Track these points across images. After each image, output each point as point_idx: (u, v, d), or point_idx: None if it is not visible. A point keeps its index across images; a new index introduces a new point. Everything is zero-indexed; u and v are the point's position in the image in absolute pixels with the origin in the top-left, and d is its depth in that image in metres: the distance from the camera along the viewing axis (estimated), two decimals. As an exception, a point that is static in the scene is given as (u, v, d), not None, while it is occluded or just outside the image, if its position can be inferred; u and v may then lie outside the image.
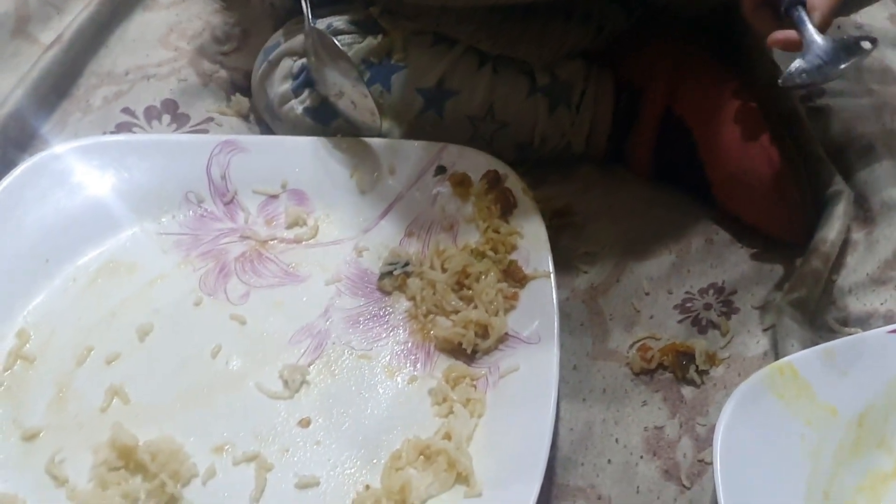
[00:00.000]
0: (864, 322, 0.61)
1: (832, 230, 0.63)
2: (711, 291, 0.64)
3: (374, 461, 0.55)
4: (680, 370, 0.60)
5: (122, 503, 0.53)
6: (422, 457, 0.54)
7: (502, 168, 0.65)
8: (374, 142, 0.68)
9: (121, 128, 0.72)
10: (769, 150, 0.65)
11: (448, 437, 0.55)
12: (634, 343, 0.62)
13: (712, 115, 0.67)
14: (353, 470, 0.55)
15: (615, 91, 0.70)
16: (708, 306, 0.63)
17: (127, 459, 0.54)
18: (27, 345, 0.60)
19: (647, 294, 0.65)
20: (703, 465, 0.56)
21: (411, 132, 0.69)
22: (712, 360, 0.61)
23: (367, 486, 0.53)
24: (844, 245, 0.64)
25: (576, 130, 0.70)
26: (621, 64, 0.70)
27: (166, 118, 0.73)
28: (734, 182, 0.65)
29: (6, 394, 0.58)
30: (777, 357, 0.58)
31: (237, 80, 0.76)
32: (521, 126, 0.69)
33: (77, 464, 0.55)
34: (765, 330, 0.62)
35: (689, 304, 0.63)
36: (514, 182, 0.64)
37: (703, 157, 0.67)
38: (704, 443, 0.57)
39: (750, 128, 0.65)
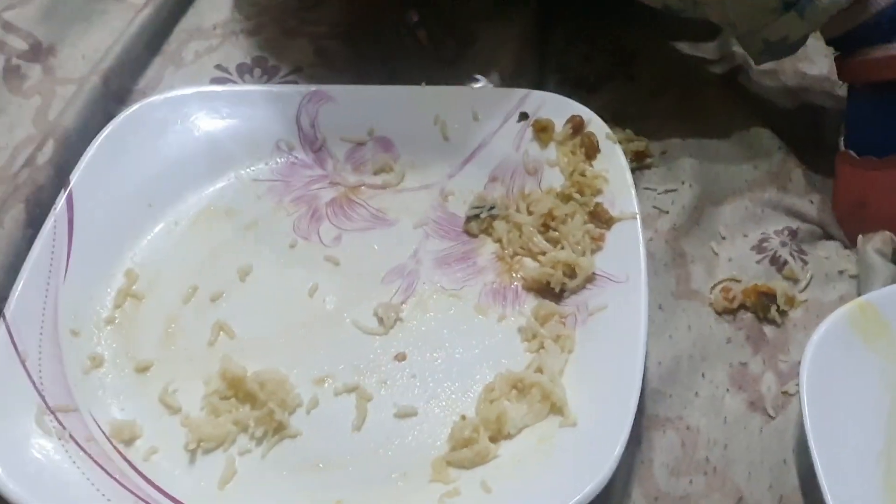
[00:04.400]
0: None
1: None
2: (786, 232, 0.65)
3: (469, 393, 0.57)
4: (762, 310, 0.62)
5: (234, 429, 0.56)
6: (514, 390, 0.57)
7: (586, 114, 0.66)
8: (457, 89, 0.70)
9: (214, 82, 0.75)
10: None
11: (540, 370, 0.57)
12: (716, 284, 0.63)
13: None
14: (448, 401, 0.57)
15: None
16: (784, 244, 0.64)
17: (236, 389, 0.57)
18: (135, 284, 0.63)
19: (723, 238, 0.66)
20: (787, 397, 0.57)
21: None
22: (792, 302, 0.62)
23: (464, 417, 0.56)
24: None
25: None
26: None
27: (258, 72, 0.76)
28: None
29: (118, 329, 0.61)
30: (858, 294, 0.59)
31: (321, 33, 0.78)
32: None
33: (189, 394, 0.58)
34: (840, 273, 0.63)
35: (765, 244, 0.65)
36: (597, 127, 0.66)
37: None
38: (787, 377, 0.58)
39: None
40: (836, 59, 0.66)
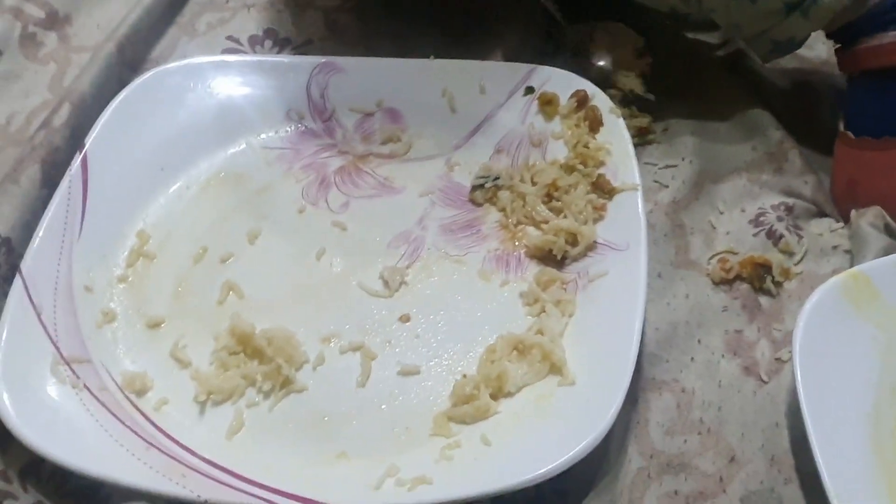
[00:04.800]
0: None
1: None
2: (783, 208, 0.67)
3: (471, 354, 0.59)
4: (757, 281, 0.63)
5: (242, 383, 0.58)
6: (515, 351, 0.58)
7: (591, 88, 0.68)
8: (465, 63, 0.71)
9: (226, 53, 0.77)
10: None
11: (541, 332, 0.58)
12: (714, 255, 0.65)
13: None
14: (450, 361, 0.59)
15: None
16: (780, 219, 0.66)
17: (245, 345, 0.59)
18: (147, 244, 0.65)
19: (721, 213, 0.67)
20: (780, 364, 0.59)
21: None
22: (787, 274, 0.64)
23: (465, 375, 0.57)
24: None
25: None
26: None
27: (268, 43, 0.78)
28: None
29: (130, 287, 0.63)
30: (852, 265, 0.61)
31: (333, 6, 0.80)
32: None
33: (198, 349, 0.60)
34: (834, 247, 0.65)
35: (762, 219, 0.66)
36: (601, 101, 0.67)
37: None
38: (780, 345, 0.60)
39: None
40: (836, 51, 0.68)
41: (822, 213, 0.67)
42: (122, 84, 0.71)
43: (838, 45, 0.68)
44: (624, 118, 0.67)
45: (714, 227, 0.66)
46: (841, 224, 0.66)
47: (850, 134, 0.67)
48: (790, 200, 0.67)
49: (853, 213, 0.64)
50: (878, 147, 0.65)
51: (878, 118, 0.65)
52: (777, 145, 0.70)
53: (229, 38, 0.78)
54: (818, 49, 0.79)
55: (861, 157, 0.66)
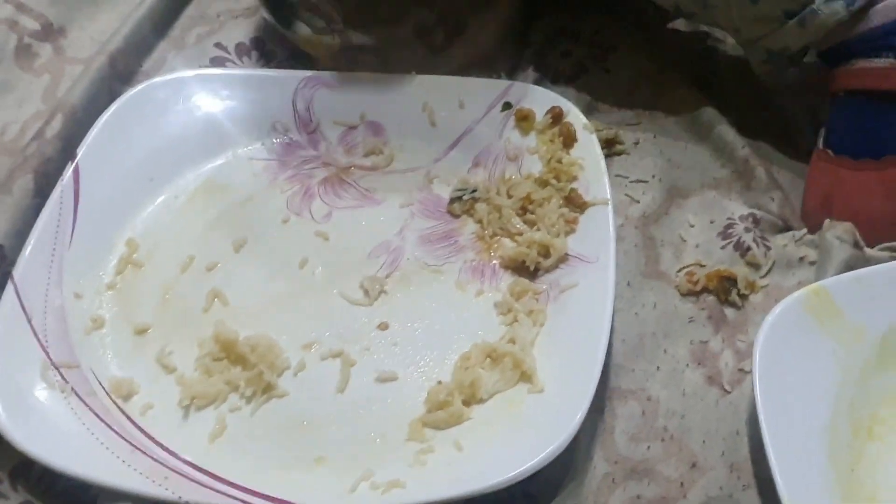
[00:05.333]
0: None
1: None
2: (751, 220, 0.69)
3: (446, 361, 0.61)
4: (723, 293, 0.65)
5: (225, 388, 0.60)
6: (488, 359, 0.61)
7: (566, 105, 0.70)
8: (445, 79, 0.74)
9: (214, 62, 0.79)
10: None
11: (513, 341, 0.61)
12: (682, 268, 0.67)
13: None
14: (426, 368, 0.61)
15: None
16: (748, 230, 0.68)
17: (228, 351, 0.61)
18: (136, 253, 0.67)
19: (692, 226, 0.70)
20: (743, 374, 0.61)
21: None
22: (752, 287, 0.66)
23: (440, 382, 0.60)
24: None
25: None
26: None
27: (255, 54, 0.80)
28: None
29: (118, 295, 0.65)
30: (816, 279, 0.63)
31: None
32: None
33: (183, 355, 0.62)
34: (800, 259, 0.67)
35: (730, 230, 0.68)
36: (575, 117, 0.70)
37: None
38: (744, 356, 0.62)
39: None
40: (821, 70, 0.70)
41: (787, 228, 0.69)
42: (113, 96, 0.73)
43: (826, 64, 0.70)
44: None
45: (684, 240, 0.69)
46: (805, 231, 0.68)
47: (829, 151, 0.69)
48: (758, 212, 0.69)
49: (826, 222, 0.66)
50: (856, 167, 0.67)
51: (859, 139, 0.68)
52: (743, 163, 0.72)
53: (217, 45, 0.80)
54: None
55: (838, 175, 0.68)
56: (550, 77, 0.78)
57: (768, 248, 0.67)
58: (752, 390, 0.56)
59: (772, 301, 0.64)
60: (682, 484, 0.57)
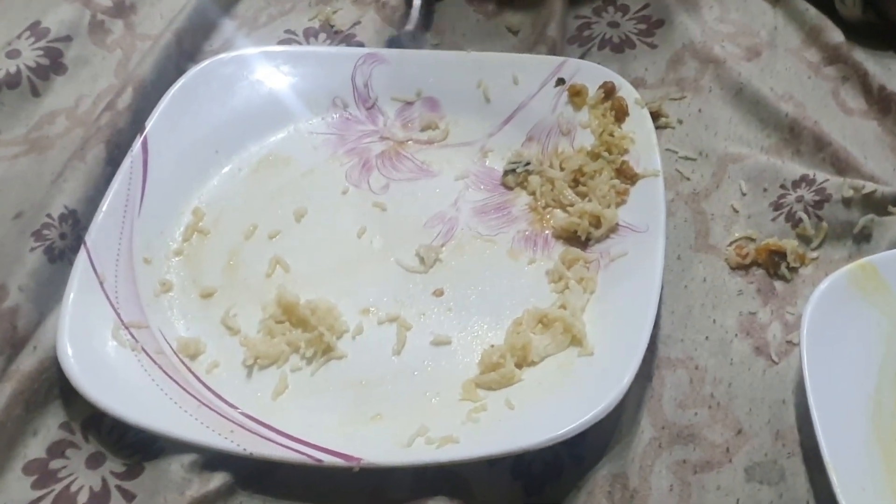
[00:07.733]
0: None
1: None
2: (804, 185, 0.69)
3: (498, 326, 0.63)
4: (772, 267, 0.66)
5: (287, 349, 0.62)
6: (540, 324, 0.62)
7: (618, 80, 0.72)
8: (499, 56, 0.76)
9: (282, 44, 0.82)
10: None
11: (563, 307, 0.62)
12: (732, 242, 0.68)
13: None
14: (479, 332, 0.63)
15: None
16: (799, 199, 0.68)
17: (290, 314, 0.64)
18: (202, 221, 0.70)
19: (744, 195, 0.70)
20: (791, 346, 0.62)
21: None
22: (802, 259, 0.66)
23: (493, 345, 0.62)
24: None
25: None
26: None
27: (322, 36, 0.83)
28: None
29: (186, 260, 0.68)
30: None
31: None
32: None
33: (247, 318, 0.65)
34: (853, 231, 0.67)
35: (782, 200, 0.69)
36: (627, 92, 0.71)
37: None
38: (792, 328, 0.63)
39: None
40: None
41: (839, 198, 0.69)
42: (180, 72, 0.76)
43: None
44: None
45: (736, 211, 0.69)
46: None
47: None
48: (811, 172, 0.69)
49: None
50: None
51: None
52: (789, 130, 0.73)
53: (287, 31, 0.83)
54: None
55: None
56: (597, 49, 0.80)
57: (820, 220, 0.68)
58: (800, 361, 0.57)
59: (822, 273, 0.65)
60: (727, 449, 0.58)
